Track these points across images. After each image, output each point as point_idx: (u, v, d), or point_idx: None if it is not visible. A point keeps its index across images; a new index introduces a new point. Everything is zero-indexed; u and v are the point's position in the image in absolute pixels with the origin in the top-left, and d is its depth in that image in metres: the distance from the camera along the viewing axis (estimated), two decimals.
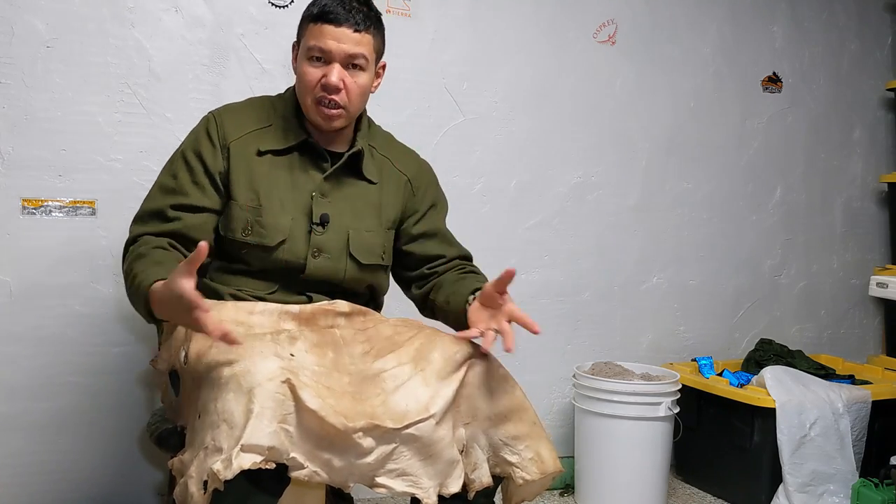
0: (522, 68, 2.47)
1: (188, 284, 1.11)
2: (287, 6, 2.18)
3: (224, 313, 1.39)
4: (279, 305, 1.42)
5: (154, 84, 2.04)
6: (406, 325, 1.47)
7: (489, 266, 2.40)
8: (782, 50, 2.89)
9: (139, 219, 1.45)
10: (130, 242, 1.41)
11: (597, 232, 2.61)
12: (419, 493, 1.28)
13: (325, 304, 1.46)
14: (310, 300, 1.48)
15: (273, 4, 2.17)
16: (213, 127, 1.49)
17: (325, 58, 1.43)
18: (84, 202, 1.99)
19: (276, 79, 2.16)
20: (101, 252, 2.01)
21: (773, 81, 2.88)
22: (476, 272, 1.61)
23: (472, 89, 2.40)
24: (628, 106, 2.64)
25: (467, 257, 1.65)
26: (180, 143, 1.53)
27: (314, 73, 1.44)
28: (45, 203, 1.96)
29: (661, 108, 2.69)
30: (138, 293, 1.26)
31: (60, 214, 1.97)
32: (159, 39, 2.05)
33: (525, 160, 2.49)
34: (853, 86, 3.03)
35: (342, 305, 1.47)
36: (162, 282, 1.21)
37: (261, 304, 1.42)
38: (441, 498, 1.30)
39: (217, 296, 1.46)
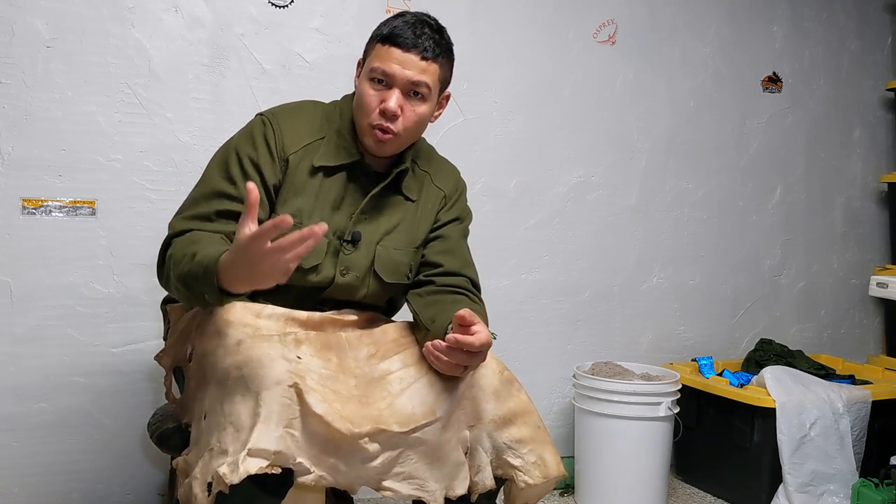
0: (522, 68, 2.47)
1: (251, 227, 1.07)
2: (287, 6, 2.18)
3: (231, 314, 1.39)
4: (286, 310, 1.40)
5: (154, 84, 2.04)
6: (411, 327, 1.47)
7: (489, 266, 2.42)
8: (782, 50, 2.89)
9: (188, 218, 1.36)
10: (176, 234, 1.34)
11: (597, 232, 2.61)
12: (426, 497, 1.28)
13: (332, 313, 1.45)
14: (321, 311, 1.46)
15: (273, 4, 2.16)
16: (272, 135, 1.41)
17: (386, 81, 1.38)
18: (84, 202, 1.99)
19: (276, 79, 2.16)
20: (101, 252, 2.01)
21: (773, 81, 2.88)
22: (474, 300, 1.47)
23: (472, 89, 2.40)
24: (628, 106, 2.64)
25: (472, 280, 1.52)
26: (229, 138, 1.46)
27: (374, 96, 1.39)
28: (45, 203, 1.96)
29: (661, 109, 2.69)
30: (202, 270, 1.17)
31: (60, 214, 1.97)
32: (159, 39, 2.05)
33: (525, 160, 2.49)
34: (853, 86, 3.03)
35: (350, 315, 1.47)
36: (227, 253, 1.15)
37: (269, 308, 1.41)
38: (447, 500, 1.30)
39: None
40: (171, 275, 1.29)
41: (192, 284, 1.21)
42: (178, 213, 1.40)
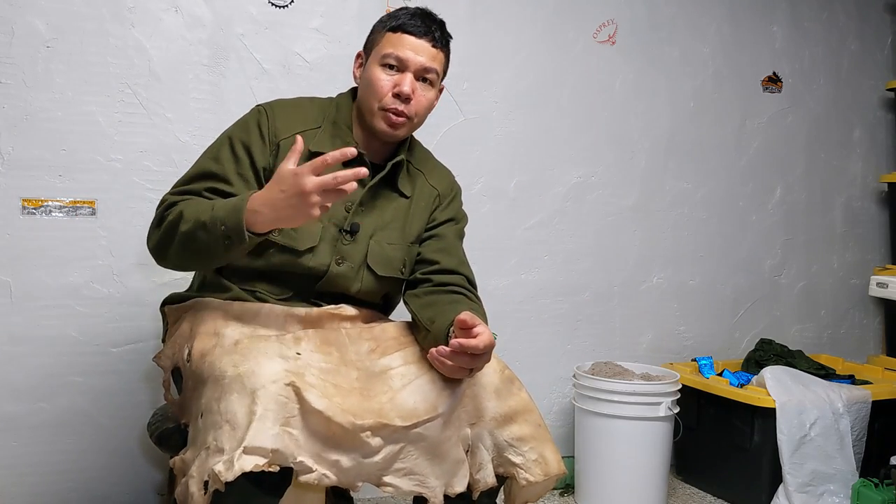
0: (522, 68, 2.47)
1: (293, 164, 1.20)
2: (287, 6, 2.18)
3: (229, 314, 1.39)
4: (285, 308, 1.42)
5: (154, 84, 2.04)
6: (411, 326, 1.47)
7: (489, 266, 2.42)
8: (782, 50, 2.89)
9: (176, 193, 1.41)
10: (170, 205, 1.38)
11: (596, 232, 2.61)
12: (426, 493, 1.29)
13: (330, 308, 1.46)
14: (319, 307, 1.47)
15: (273, 4, 2.17)
16: (265, 121, 1.46)
17: (399, 66, 1.44)
18: (84, 202, 1.99)
19: (276, 79, 2.16)
20: (101, 252, 2.01)
21: (773, 81, 2.88)
22: (473, 300, 1.49)
23: (472, 89, 2.40)
24: (628, 106, 2.64)
25: (468, 278, 1.54)
26: (222, 132, 1.50)
27: (387, 80, 1.44)
28: (45, 203, 1.96)
29: (661, 109, 2.69)
30: (228, 210, 1.26)
31: (60, 214, 1.97)
32: (159, 39, 2.05)
33: (525, 160, 2.49)
34: (853, 86, 3.03)
35: (348, 310, 1.47)
36: (258, 191, 1.25)
37: (266, 306, 1.42)
38: (446, 497, 1.31)
39: (223, 290, 1.46)
40: (178, 231, 1.32)
41: (212, 229, 1.27)
42: (169, 191, 1.44)
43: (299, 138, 1.21)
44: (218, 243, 1.27)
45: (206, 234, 1.28)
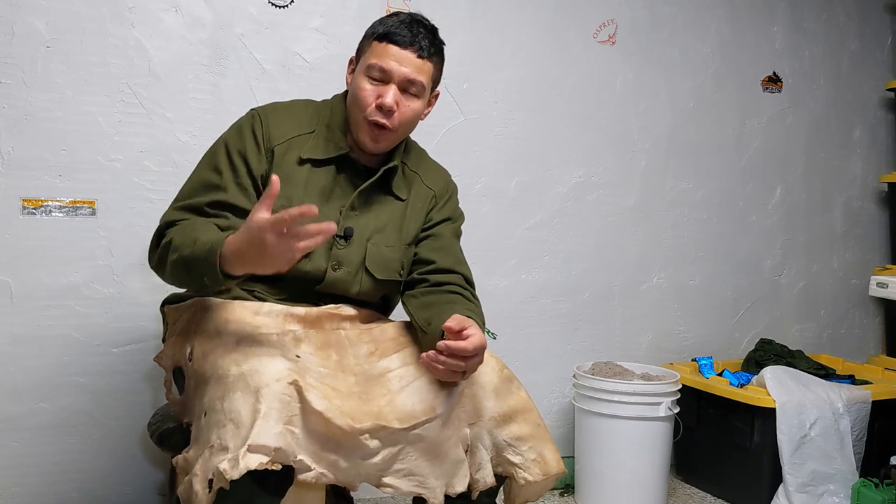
0: (522, 68, 2.47)
1: (267, 214, 1.12)
2: (287, 6, 2.18)
3: (231, 313, 1.40)
4: (285, 307, 1.42)
5: (154, 84, 2.04)
6: (410, 326, 1.47)
7: (489, 266, 2.42)
8: (782, 50, 2.89)
9: (178, 209, 1.40)
10: (168, 225, 1.37)
11: (596, 232, 2.61)
12: (426, 493, 1.29)
13: (330, 307, 1.46)
14: (318, 306, 1.47)
15: (273, 4, 2.17)
16: (259, 127, 1.45)
17: (383, 77, 1.42)
18: (84, 202, 1.99)
19: (276, 79, 2.16)
20: (101, 252, 2.01)
21: (773, 81, 2.89)
22: (470, 299, 1.48)
23: (472, 89, 2.40)
24: (628, 106, 2.64)
25: (466, 277, 1.53)
26: (220, 134, 1.50)
27: (370, 91, 1.42)
28: (45, 203, 1.96)
29: (661, 109, 2.69)
30: (205, 252, 1.21)
31: (60, 214, 1.97)
32: (159, 39, 2.05)
33: (525, 160, 2.49)
34: (853, 86, 3.03)
35: (347, 310, 1.47)
36: (232, 235, 1.19)
37: (267, 305, 1.42)
38: (446, 497, 1.31)
39: (223, 290, 1.46)
40: (168, 259, 1.32)
41: (193, 267, 1.25)
42: (171, 205, 1.43)
43: (275, 179, 1.13)
44: (199, 281, 1.26)
45: (187, 270, 1.27)
